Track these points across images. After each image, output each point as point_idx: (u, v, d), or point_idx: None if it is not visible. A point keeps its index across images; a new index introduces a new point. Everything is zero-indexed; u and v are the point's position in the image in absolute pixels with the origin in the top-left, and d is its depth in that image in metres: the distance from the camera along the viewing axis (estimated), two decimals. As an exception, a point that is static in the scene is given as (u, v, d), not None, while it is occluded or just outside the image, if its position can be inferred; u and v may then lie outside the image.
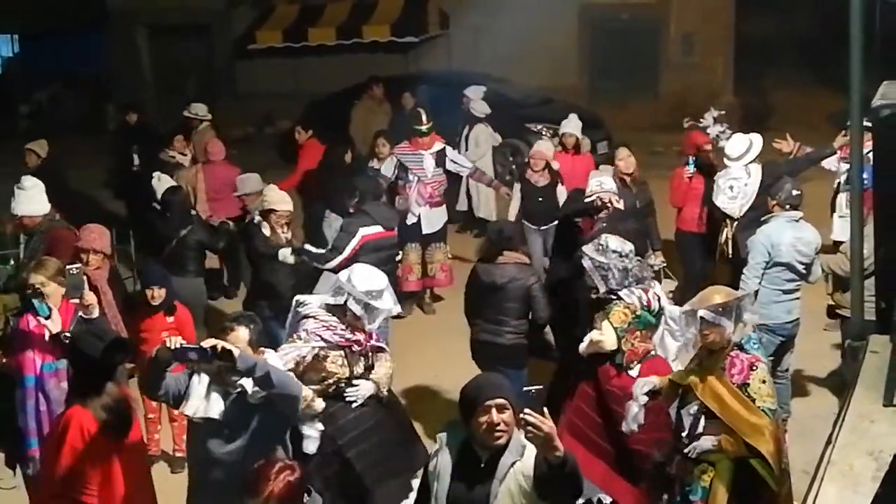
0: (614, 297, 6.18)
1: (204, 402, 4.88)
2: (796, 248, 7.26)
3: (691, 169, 9.46)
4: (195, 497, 4.98)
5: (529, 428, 3.79)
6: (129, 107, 13.81)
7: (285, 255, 8.06)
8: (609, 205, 8.02)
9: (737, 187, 8.58)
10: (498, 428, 3.99)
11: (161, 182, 9.40)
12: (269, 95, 20.49)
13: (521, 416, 3.81)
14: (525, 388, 4.05)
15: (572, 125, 11.08)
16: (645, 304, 6.15)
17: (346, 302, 5.75)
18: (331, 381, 5.76)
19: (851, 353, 6.26)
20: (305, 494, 4.11)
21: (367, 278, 5.82)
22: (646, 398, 5.73)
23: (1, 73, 27.15)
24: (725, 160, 8.67)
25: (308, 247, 8.25)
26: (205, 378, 4.91)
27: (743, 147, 8.60)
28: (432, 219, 10.15)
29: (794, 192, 7.47)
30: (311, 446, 5.65)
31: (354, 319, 5.77)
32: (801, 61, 21.33)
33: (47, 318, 5.78)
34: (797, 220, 7.37)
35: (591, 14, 21.02)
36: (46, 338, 5.82)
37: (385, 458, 5.93)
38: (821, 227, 7.79)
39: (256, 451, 4.67)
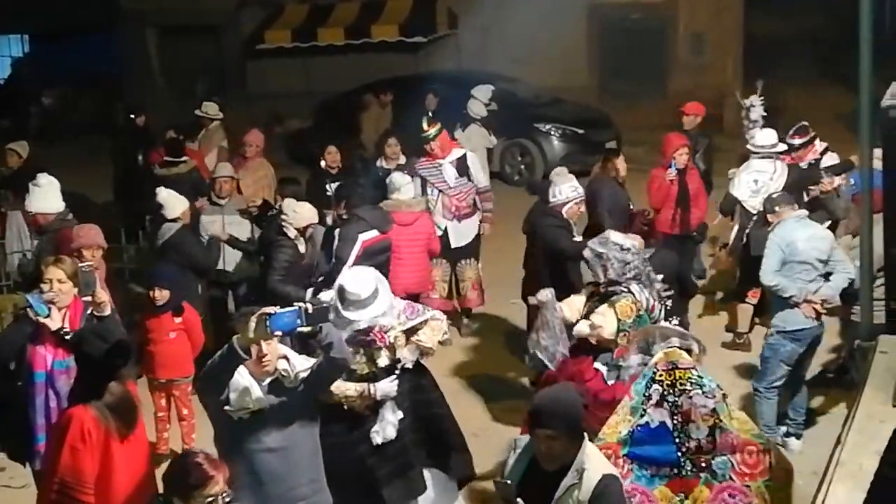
0: (624, 290, 5.85)
1: (252, 393, 4.80)
2: (812, 245, 7.09)
3: (674, 171, 9.50)
4: (244, 491, 4.80)
5: None
6: (131, 108, 13.71)
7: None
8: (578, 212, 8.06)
9: (762, 181, 8.65)
10: (545, 456, 4.20)
11: (168, 196, 9.15)
12: (278, 95, 20.49)
13: None
14: (495, 481, 4.39)
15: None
16: (649, 307, 5.86)
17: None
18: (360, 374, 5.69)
19: (861, 353, 6.24)
20: None
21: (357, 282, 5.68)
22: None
23: (11, 74, 27.25)
24: (754, 151, 8.88)
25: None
26: (243, 370, 4.79)
27: (773, 138, 8.85)
28: (461, 232, 9.46)
29: (774, 195, 7.60)
30: (389, 431, 5.69)
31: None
32: (809, 61, 21.30)
33: (46, 316, 5.70)
34: (804, 218, 7.29)
35: (601, 14, 21.03)
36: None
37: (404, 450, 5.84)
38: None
39: (302, 433, 4.88)
